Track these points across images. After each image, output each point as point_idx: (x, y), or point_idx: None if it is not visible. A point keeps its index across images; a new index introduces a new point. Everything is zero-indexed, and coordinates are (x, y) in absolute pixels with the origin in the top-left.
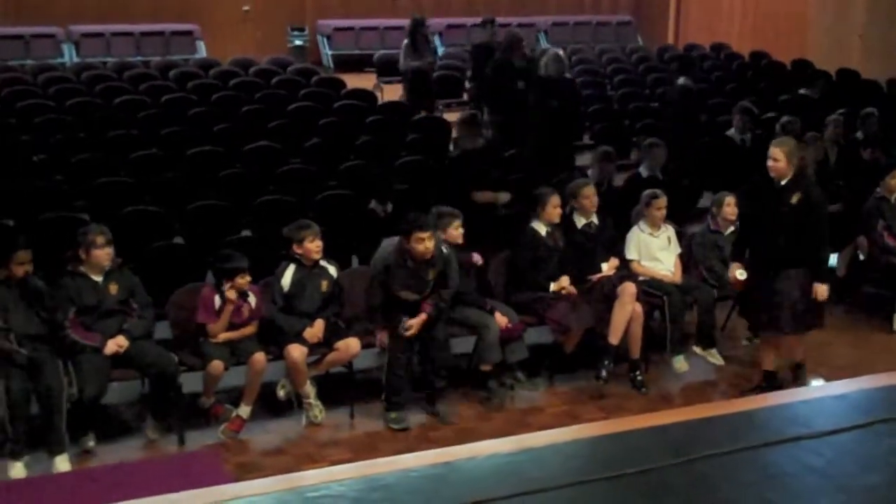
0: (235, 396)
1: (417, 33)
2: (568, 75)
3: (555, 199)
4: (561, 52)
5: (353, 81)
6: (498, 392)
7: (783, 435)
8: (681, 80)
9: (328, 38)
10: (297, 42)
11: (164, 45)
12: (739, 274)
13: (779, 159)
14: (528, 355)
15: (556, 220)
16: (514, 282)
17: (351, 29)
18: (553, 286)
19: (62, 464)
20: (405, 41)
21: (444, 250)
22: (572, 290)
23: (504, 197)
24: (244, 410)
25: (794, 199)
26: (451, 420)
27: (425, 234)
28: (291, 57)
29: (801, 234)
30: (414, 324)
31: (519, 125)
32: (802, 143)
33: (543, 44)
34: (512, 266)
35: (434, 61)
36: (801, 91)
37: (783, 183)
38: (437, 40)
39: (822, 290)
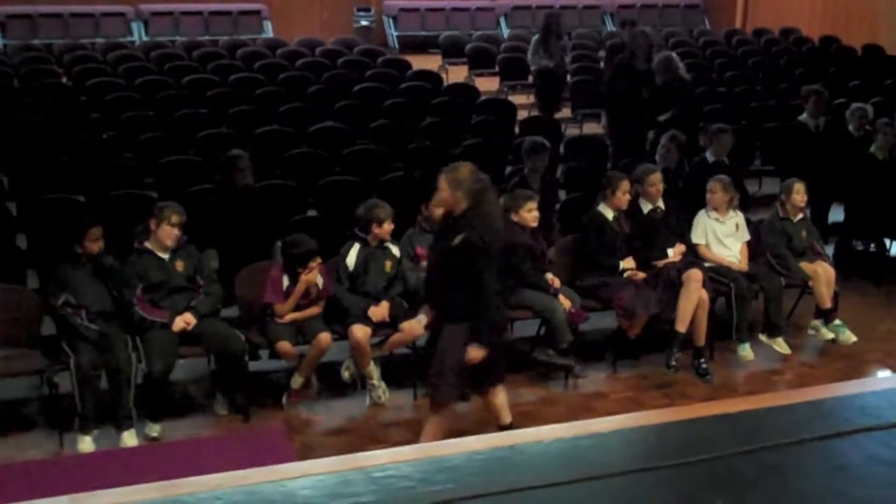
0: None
1: (551, 31)
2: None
3: (625, 185)
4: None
5: (419, 63)
6: (579, 364)
7: (852, 425)
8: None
9: (394, 18)
10: (363, 23)
11: (231, 25)
12: (417, 322)
13: (442, 189)
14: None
15: (625, 205)
16: (581, 266)
17: (416, 10)
18: (623, 264)
19: (130, 439)
20: (535, 37)
21: None
22: (639, 274)
23: None
24: (297, 381)
25: (456, 240)
26: None
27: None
28: (357, 38)
29: (460, 282)
30: None
31: (637, 137)
32: (481, 177)
33: (610, 27)
34: (578, 250)
35: (563, 61)
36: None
37: (452, 218)
38: (503, 22)
39: (473, 353)
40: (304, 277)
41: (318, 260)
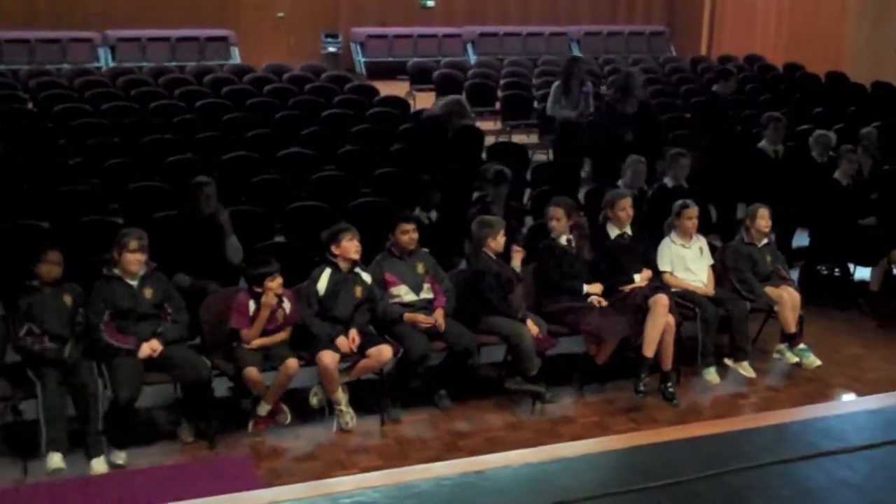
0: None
1: (572, 76)
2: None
3: (556, 212)
4: None
5: (386, 89)
6: (549, 389)
7: (817, 449)
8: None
9: (361, 45)
10: (331, 49)
11: (198, 51)
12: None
13: None
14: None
15: (562, 231)
16: (545, 292)
17: (384, 37)
18: (587, 288)
19: (99, 466)
20: (555, 84)
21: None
22: (601, 300)
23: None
24: (263, 409)
25: None
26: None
27: (409, 227)
28: (325, 64)
29: None
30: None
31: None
32: None
33: (576, 53)
34: (540, 277)
35: (586, 111)
36: (714, 88)
37: None
38: (470, 49)
39: None
40: (264, 300)
41: (278, 280)
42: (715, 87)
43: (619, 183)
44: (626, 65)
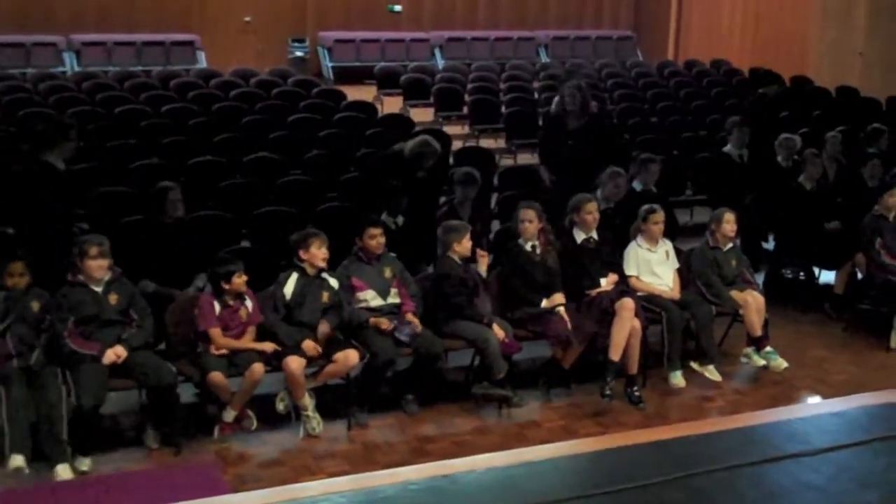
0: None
1: None
2: None
3: (526, 214)
4: None
5: (354, 93)
6: (516, 393)
7: (782, 451)
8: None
9: (329, 49)
10: (298, 53)
11: (164, 55)
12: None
13: None
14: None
15: (530, 236)
16: (508, 298)
17: (352, 41)
18: (545, 303)
19: (64, 472)
20: (556, 97)
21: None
22: (561, 310)
23: None
24: (229, 414)
25: None
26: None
27: (376, 231)
28: (292, 68)
29: None
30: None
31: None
32: None
33: (544, 58)
34: (504, 283)
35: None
36: (760, 90)
37: None
38: (438, 53)
39: None
40: (234, 283)
41: (243, 277)
42: (761, 90)
43: (598, 194)
44: (592, 68)
